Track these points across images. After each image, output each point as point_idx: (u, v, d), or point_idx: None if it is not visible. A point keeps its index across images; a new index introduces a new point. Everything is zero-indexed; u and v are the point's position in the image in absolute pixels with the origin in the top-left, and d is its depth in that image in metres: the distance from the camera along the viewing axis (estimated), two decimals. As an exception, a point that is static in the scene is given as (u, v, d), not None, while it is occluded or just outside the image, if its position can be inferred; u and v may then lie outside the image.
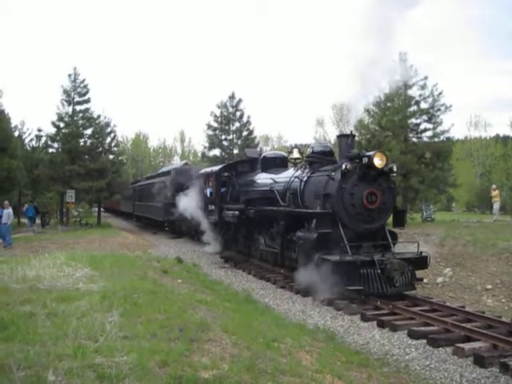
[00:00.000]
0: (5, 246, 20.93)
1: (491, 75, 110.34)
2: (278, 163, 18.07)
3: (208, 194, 20.46)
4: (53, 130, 35.00)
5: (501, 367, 7.20)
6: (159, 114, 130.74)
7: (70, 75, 34.78)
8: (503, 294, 12.69)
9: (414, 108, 26.61)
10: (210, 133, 41.49)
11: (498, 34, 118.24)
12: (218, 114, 41.29)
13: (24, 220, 34.92)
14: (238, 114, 41.29)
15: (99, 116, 36.10)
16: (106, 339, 5.12)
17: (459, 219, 26.97)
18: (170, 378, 4.29)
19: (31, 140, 41.18)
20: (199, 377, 4.46)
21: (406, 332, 9.14)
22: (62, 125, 34.69)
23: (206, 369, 4.74)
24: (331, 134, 59.66)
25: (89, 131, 35.45)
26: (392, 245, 12.31)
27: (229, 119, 41.22)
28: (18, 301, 6.76)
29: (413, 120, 26.77)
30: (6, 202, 22.55)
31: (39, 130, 39.16)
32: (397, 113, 26.15)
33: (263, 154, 19.70)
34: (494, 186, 28.47)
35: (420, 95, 26.45)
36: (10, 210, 22.56)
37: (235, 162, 21.92)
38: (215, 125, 41.37)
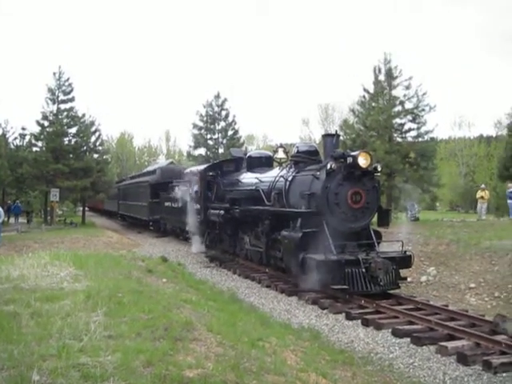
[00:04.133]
0: None
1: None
2: (263, 163, 18.04)
3: (193, 193, 20.39)
4: (37, 129, 34.61)
5: (483, 365, 7.29)
6: (144, 113, 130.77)
7: (54, 73, 34.37)
8: (486, 293, 12.80)
9: (398, 108, 26.73)
10: (196, 132, 41.37)
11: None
12: (204, 113, 41.18)
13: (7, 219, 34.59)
14: (224, 113, 41.20)
15: (84, 115, 35.88)
16: (90, 339, 5.10)
17: (443, 218, 27.18)
18: (154, 378, 4.29)
19: (15, 139, 40.72)
20: (184, 376, 4.46)
21: (390, 330, 9.21)
22: (46, 123, 34.31)
23: (190, 368, 4.74)
24: (316, 134, 60.04)
25: (73, 130, 35.13)
26: (376, 244, 12.38)
27: (214, 118, 41.11)
28: (1, 300, 6.71)
29: (397, 120, 26.88)
30: None
31: (23, 129, 38.69)
32: (381, 113, 26.25)
33: (248, 154, 19.66)
34: (482, 186, 28.58)
35: (404, 95, 26.55)
36: (0, 209, 22.39)
37: (220, 162, 21.85)
38: (200, 124, 41.24)
